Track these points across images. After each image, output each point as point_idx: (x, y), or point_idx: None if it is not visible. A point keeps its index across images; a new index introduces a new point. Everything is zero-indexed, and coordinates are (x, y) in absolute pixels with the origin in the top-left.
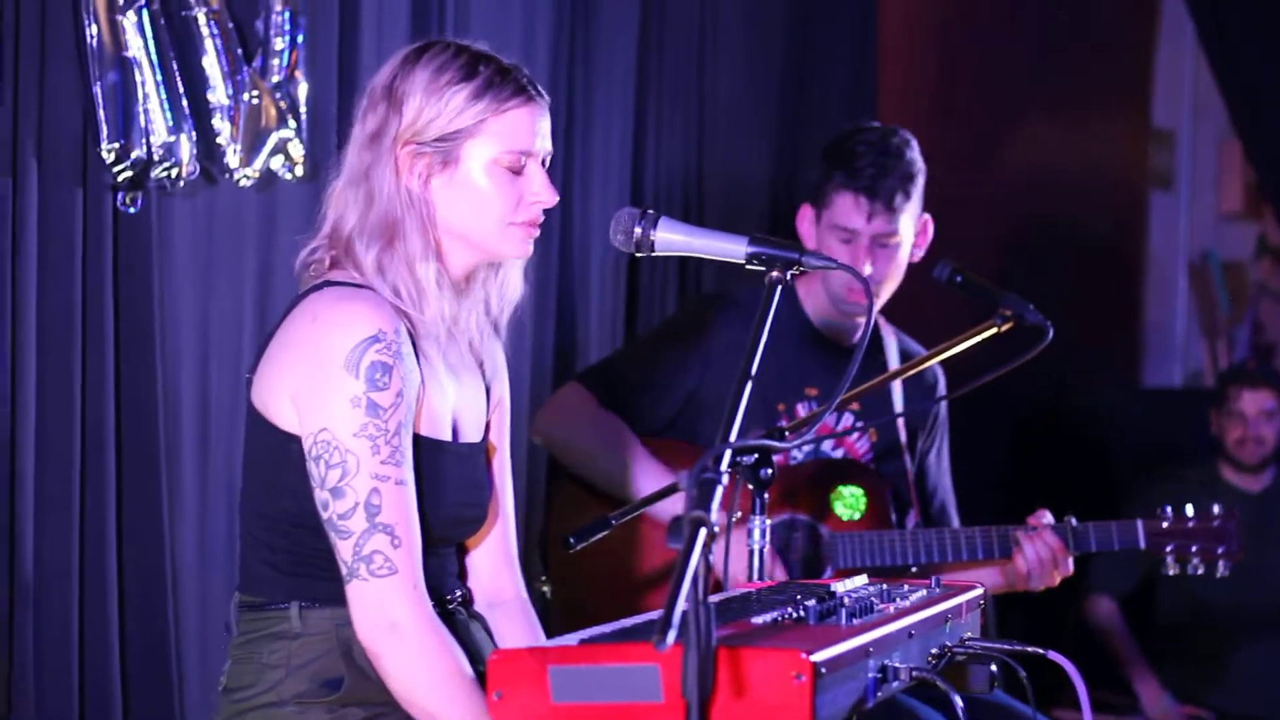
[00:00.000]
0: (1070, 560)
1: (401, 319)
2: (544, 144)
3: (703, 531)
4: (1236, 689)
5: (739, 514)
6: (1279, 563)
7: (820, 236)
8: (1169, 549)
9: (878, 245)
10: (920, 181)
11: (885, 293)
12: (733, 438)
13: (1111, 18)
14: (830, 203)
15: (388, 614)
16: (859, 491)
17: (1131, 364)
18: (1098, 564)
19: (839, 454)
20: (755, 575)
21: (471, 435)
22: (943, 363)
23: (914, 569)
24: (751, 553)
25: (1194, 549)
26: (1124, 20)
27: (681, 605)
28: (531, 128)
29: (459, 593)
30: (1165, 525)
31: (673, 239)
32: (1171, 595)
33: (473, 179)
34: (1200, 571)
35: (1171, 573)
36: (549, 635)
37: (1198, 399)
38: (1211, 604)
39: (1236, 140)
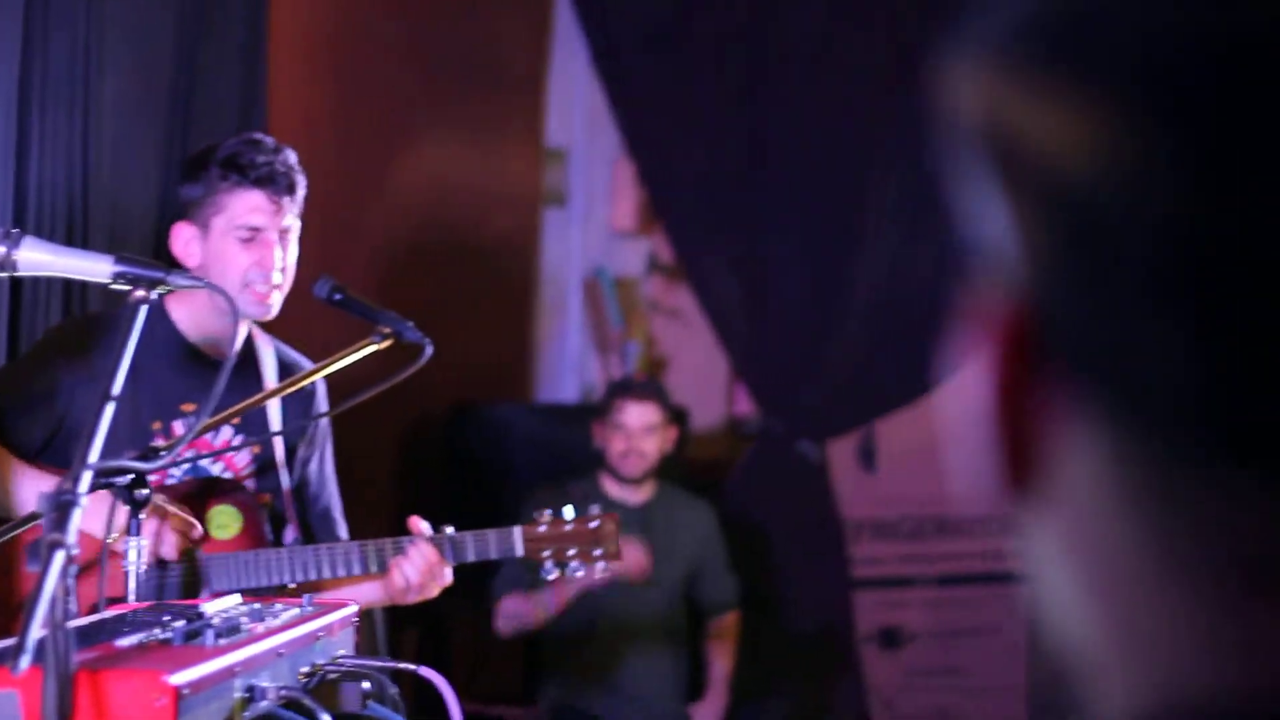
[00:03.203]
0: (448, 570)
1: None
2: None
3: (59, 554)
4: (625, 699)
5: (116, 535)
6: (660, 574)
7: (213, 248)
8: (546, 554)
9: (282, 240)
10: (303, 178)
11: (288, 285)
12: (92, 459)
13: (505, 37)
14: (224, 207)
15: None
16: (232, 509)
17: (527, 380)
18: (498, 577)
19: (218, 469)
20: (132, 596)
21: None
22: (329, 379)
23: (292, 587)
24: (127, 574)
25: (571, 551)
26: (517, 40)
27: (38, 629)
28: None
29: None
30: (542, 530)
31: (37, 258)
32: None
33: None
34: (580, 574)
35: (551, 577)
36: None
37: (591, 414)
38: (600, 614)
39: (628, 159)
